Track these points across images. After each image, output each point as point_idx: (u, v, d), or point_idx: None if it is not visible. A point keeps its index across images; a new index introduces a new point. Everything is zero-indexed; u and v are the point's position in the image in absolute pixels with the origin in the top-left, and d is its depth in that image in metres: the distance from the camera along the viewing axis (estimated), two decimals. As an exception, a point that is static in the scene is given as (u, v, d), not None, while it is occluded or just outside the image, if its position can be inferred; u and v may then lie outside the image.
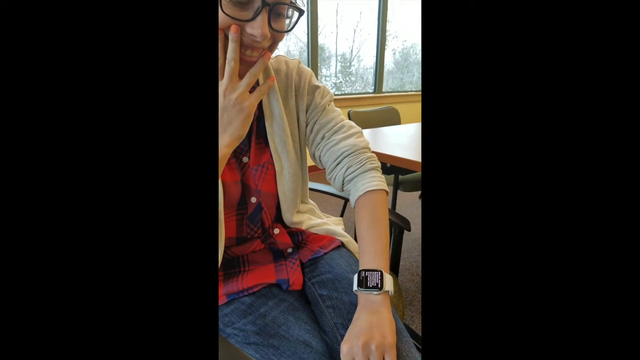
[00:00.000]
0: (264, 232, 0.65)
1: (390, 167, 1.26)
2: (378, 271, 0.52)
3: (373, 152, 0.65)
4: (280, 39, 0.49)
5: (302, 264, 0.66)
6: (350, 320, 0.51)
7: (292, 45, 2.90)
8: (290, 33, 0.50)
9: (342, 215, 1.96)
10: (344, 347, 0.45)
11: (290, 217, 0.65)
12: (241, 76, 0.47)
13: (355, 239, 0.64)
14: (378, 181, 0.61)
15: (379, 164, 0.64)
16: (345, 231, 0.74)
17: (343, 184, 0.64)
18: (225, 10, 0.42)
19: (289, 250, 0.66)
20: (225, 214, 0.58)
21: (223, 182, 0.56)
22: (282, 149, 0.60)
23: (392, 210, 0.81)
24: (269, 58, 0.49)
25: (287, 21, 0.49)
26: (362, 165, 0.62)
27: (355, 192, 0.61)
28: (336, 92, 3.25)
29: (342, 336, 0.51)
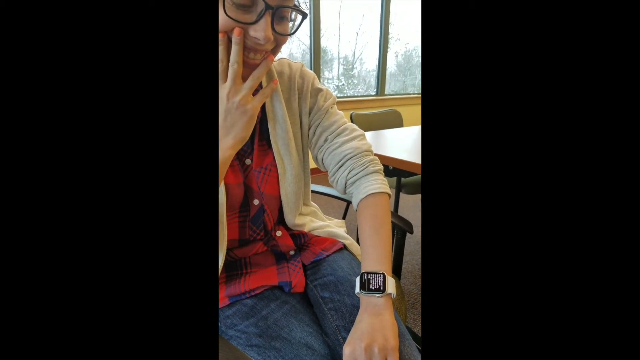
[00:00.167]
0: (266, 234, 0.65)
1: (393, 169, 1.26)
2: (380, 274, 0.52)
3: (375, 154, 0.66)
4: (284, 42, 0.49)
5: (304, 266, 0.66)
6: (352, 322, 0.51)
7: (294, 48, 2.91)
8: (293, 35, 0.51)
9: (344, 218, 1.95)
10: (346, 350, 0.45)
11: (293, 219, 0.65)
12: (244, 79, 0.47)
13: (358, 242, 0.64)
14: (380, 184, 0.61)
15: (381, 167, 0.64)
16: (347, 233, 0.74)
17: (345, 187, 0.64)
18: (228, 13, 0.43)
19: (291, 252, 0.66)
20: (227, 216, 0.58)
21: (226, 184, 0.56)
22: (285, 151, 0.60)
23: (395, 212, 0.81)
24: (272, 61, 0.49)
25: (290, 24, 0.49)
26: (364, 168, 0.62)
27: (357, 194, 0.61)
28: (338, 95, 3.26)
29: (344, 339, 0.51)
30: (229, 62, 0.45)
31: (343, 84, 3.36)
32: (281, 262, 0.64)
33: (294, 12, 0.48)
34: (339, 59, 3.26)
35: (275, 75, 0.61)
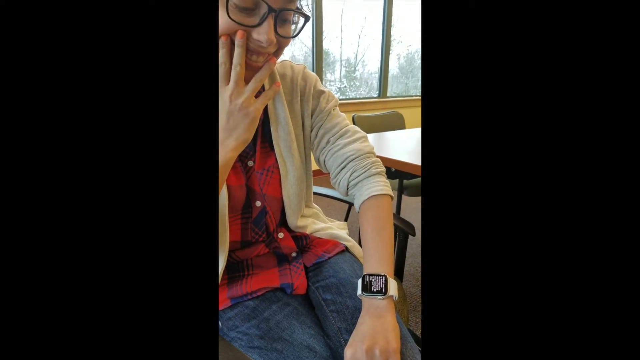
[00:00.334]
0: (268, 236, 0.65)
1: (395, 171, 1.26)
2: (382, 276, 0.52)
3: (377, 156, 0.66)
4: (286, 44, 0.49)
5: (306, 268, 0.66)
6: (354, 324, 0.51)
7: (296, 50, 2.92)
8: (295, 38, 0.51)
9: (346, 220, 1.95)
10: (348, 352, 0.45)
11: (295, 221, 0.65)
12: (247, 81, 0.48)
13: (360, 244, 0.64)
14: (382, 186, 0.61)
15: (383, 169, 0.64)
16: (349, 235, 0.74)
17: (347, 189, 0.64)
18: (231, 16, 0.43)
19: (293, 254, 0.66)
20: (229, 218, 0.58)
21: (228, 186, 0.56)
22: (287, 153, 0.60)
23: (397, 214, 0.81)
24: (275, 63, 0.49)
25: (293, 27, 0.50)
26: (366, 170, 0.62)
27: (359, 196, 0.61)
28: (341, 97, 3.27)
29: (346, 341, 0.51)
30: (232, 64, 0.46)
31: (345, 86, 3.36)
32: (283, 264, 0.64)
33: (296, 15, 0.48)
34: (341, 61, 3.27)
35: (278, 77, 0.61)
